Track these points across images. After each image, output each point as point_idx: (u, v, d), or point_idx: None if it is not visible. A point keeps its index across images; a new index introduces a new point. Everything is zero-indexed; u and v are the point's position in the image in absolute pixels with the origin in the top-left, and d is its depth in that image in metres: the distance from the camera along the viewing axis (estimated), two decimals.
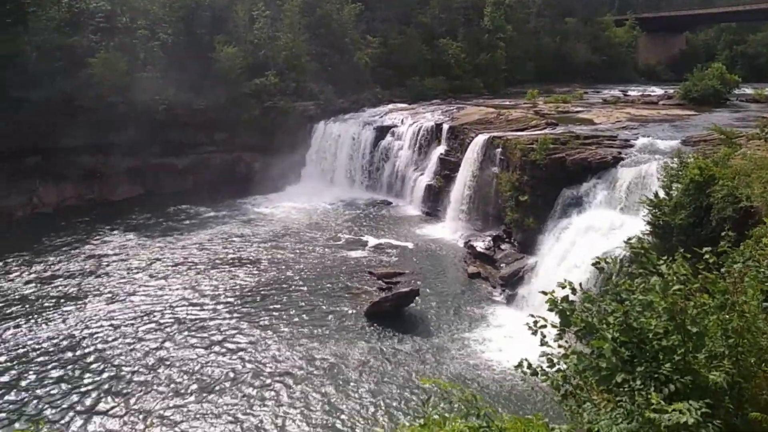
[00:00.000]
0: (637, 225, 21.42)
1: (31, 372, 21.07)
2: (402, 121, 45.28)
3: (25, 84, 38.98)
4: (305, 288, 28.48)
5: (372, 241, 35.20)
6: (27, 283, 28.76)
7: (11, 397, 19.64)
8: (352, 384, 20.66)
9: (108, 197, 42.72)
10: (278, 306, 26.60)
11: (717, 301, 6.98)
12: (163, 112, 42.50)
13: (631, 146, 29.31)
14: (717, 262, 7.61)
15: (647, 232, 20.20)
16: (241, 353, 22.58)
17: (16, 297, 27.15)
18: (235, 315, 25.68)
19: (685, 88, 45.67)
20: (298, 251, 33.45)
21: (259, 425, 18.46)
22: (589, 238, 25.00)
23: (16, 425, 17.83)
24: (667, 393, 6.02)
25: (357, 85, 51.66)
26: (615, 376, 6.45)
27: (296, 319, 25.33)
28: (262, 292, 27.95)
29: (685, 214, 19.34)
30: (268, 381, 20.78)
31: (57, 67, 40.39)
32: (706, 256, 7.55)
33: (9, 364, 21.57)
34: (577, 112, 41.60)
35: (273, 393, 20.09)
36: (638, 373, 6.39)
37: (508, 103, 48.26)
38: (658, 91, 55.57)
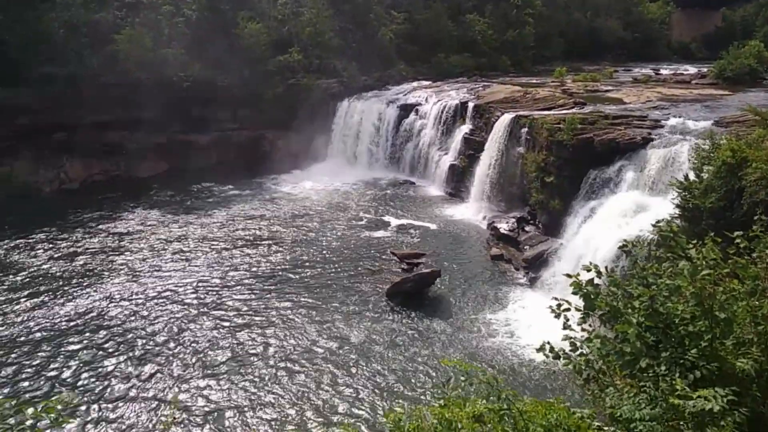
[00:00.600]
0: (665, 208, 20.97)
1: (54, 347, 21.58)
2: (426, 99, 44.81)
3: (52, 60, 39.48)
4: (327, 268, 28.65)
5: (394, 221, 35.16)
6: (52, 258, 29.44)
7: (35, 371, 20.11)
8: (372, 364, 20.82)
9: (133, 173, 43.33)
10: (300, 285, 26.83)
11: (747, 286, 6.82)
12: (187, 89, 42.73)
13: (662, 127, 28.60)
14: (748, 246, 7.41)
15: (676, 215, 19.75)
16: (262, 331, 22.88)
17: (42, 273, 27.83)
18: (257, 293, 25.99)
19: (719, 66, 44.25)
20: (320, 231, 33.61)
21: (279, 402, 18.75)
22: (616, 220, 24.59)
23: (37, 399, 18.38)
24: (692, 379, 5.92)
25: (381, 62, 51.17)
26: (639, 361, 6.36)
27: (317, 299, 25.54)
28: (284, 271, 28.21)
29: (715, 197, 18.87)
30: (289, 359, 21.05)
31: (83, 43, 40.81)
32: (737, 240, 7.35)
33: (35, 338, 22.18)
34: (606, 91, 40.68)
35: (294, 371, 20.36)
36: (663, 359, 6.29)
37: (535, 81, 47.38)
38: (691, 69, 54.00)
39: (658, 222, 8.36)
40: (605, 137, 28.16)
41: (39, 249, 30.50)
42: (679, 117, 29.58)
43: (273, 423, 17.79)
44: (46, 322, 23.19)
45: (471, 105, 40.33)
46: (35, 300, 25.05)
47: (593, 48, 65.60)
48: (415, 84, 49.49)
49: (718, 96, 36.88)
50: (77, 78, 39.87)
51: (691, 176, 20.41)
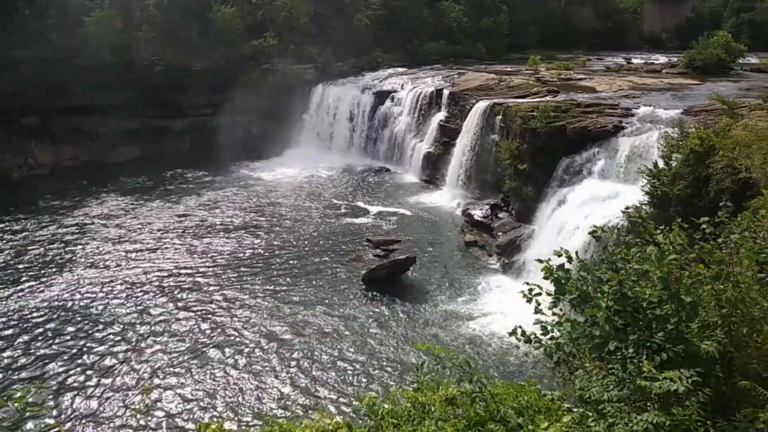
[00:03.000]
0: (635, 195, 21.37)
1: (21, 335, 21.18)
2: (402, 86, 44.69)
3: (20, 43, 38.28)
4: (302, 254, 28.56)
5: (369, 208, 35.16)
6: (20, 245, 28.79)
7: (5, 360, 19.75)
8: (346, 349, 20.89)
9: (105, 159, 42.42)
10: (274, 272, 26.71)
11: (712, 271, 7.00)
12: (160, 73, 41.91)
13: (633, 115, 29.02)
14: (714, 232, 7.59)
15: (645, 202, 20.17)
16: (234, 317, 22.76)
17: (9, 260, 27.20)
18: (231, 280, 25.81)
19: (689, 56, 44.97)
20: (295, 217, 33.45)
21: (252, 387, 18.72)
22: (587, 207, 24.98)
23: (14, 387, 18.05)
24: (659, 361, 6.08)
25: (357, 48, 50.80)
26: (608, 344, 6.51)
27: (292, 285, 25.47)
28: (258, 258, 28.04)
29: (683, 184, 19.30)
30: (263, 345, 21.00)
31: (51, 25, 39.63)
32: (703, 226, 7.53)
33: (5, 326, 21.71)
34: (579, 79, 41.07)
35: (267, 356, 20.33)
36: (631, 342, 6.44)
37: (509, 69, 47.57)
38: (662, 59, 54.75)
39: (627, 208, 8.53)
40: (578, 125, 28.49)
41: (7, 235, 29.76)
42: (650, 106, 30.04)
43: (244, 408, 17.76)
44: (11, 310, 22.67)
45: (446, 92, 40.36)
46: (4, 286, 24.45)
47: (567, 37, 65.99)
48: (390, 71, 49.28)
49: (687, 85, 37.52)
50: (46, 61, 38.72)
51: (660, 164, 20.81)
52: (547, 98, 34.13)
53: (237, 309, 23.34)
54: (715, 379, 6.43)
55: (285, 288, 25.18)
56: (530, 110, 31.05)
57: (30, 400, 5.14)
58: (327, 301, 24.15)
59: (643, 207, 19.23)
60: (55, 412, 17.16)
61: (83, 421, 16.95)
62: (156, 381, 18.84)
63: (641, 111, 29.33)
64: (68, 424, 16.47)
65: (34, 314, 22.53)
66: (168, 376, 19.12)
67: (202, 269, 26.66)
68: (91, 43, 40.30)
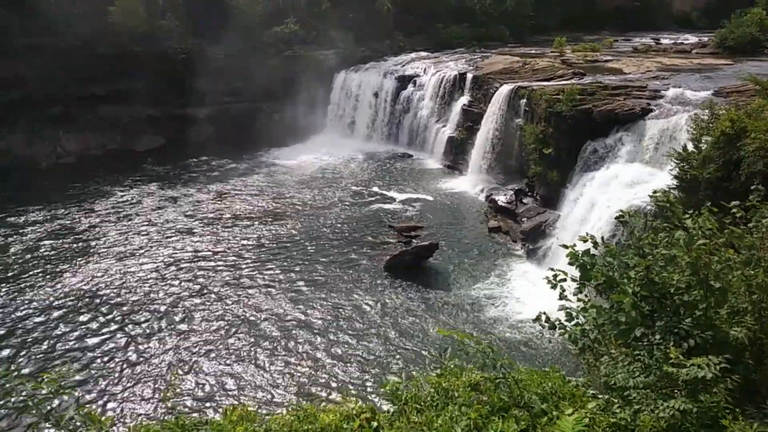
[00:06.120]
0: (663, 179, 20.95)
1: (52, 321, 21.75)
2: (424, 70, 44.33)
3: (46, 31, 38.86)
4: (324, 240, 28.72)
5: (392, 194, 35.13)
6: (50, 232, 29.49)
7: (33, 347, 20.22)
8: (369, 335, 21.03)
9: (130, 147, 43.08)
10: (298, 257, 26.93)
11: (743, 256, 6.83)
12: (182, 62, 42.23)
13: (661, 97, 28.37)
14: (745, 216, 7.40)
15: (674, 186, 19.75)
16: (258, 303, 23.06)
17: (40, 247, 27.88)
18: (254, 266, 26.09)
19: (720, 35, 43.65)
20: (317, 204, 33.60)
21: (276, 372, 18.98)
22: (614, 192, 24.57)
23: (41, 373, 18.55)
24: (687, 348, 5.98)
25: (378, 33, 50.48)
26: (634, 330, 6.41)
27: (316, 271, 25.66)
28: (282, 245, 28.27)
29: (713, 167, 18.85)
30: (286, 330, 21.26)
31: (76, 15, 40.14)
32: (734, 210, 7.33)
33: (32, 312, 22.32)
34: (606, 61, 40.24)
35: (290, 342, 20.58)
36: (658, 328, 6.34)
37: (534, 51, 46.82)
38: (691, 39, 53.32)
39: (655, 192, 8.35)
40: (604, 108, 27.94)
41: (38, 224, 30.49)
42: (679, 87, 29.32)
43: (268, 392, 18.03)
44: (43, 296, 23.31)
45: (470, 76, 39.92)
46: (33, 274, 25.12)
47: (593, 17, 64.58)
48: (413, 55, 48.93)
49: (718, 66, 36.50)
50: (72, 49, 39.30)
51: (690, 147, 20.34)
52: (573, 81, 33.54)
53: (260, 295, 23.63)
54: (744, 367, 6.30)
55: (308, 274, 25.38)
56: (555, 93, 30.56)
57: (62, 383, 5.28)
58: (350, 287, 24.28)
59: (672, 191, 18.86)
60: (86, 395, 17.65)
61: (113, 404, 17.41)
62: (182, 366, 19.23)
63: (670, 93, 28.65)
64: (98, 408, 16.91)
65: (64, 300, 23.10)
66: (194, 361, 19.50)
67: (226, 256, 27.00)
68: (115, 32, 40.74)
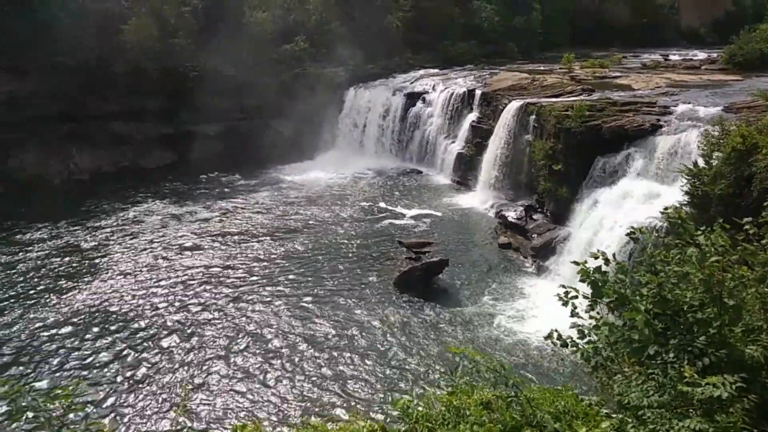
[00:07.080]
0: (674, 195, 20.83)
1: (63, 336, 21.81)
2: (433, 87, 44.56)
3: (59, 50, 39.50)
4: (334, 257, 28.71)
5: (401, 210, 35.14)
6: (60, 249, 29.67)
7: (44, 363, 20.25)
8: (378, 352, 20.90)
9: (141, 164, 43.44)
10: (308, 274, 26.91)
11: (756, 273, 6.77)
12: (194, 79, 42.74)
13: (671, 113, 28.29)
14: (758, 233, 7.33)
15: (685, 202, 19.64)
16: (268, 319, 23.01)
17: (51, 264, 28.05)
18: (264, 283, 26.10)
19: (729, 51, 43.59)
20: (326, 220, 33.67)
21: (285, 389, 18.89)
22: (624, 208, 24.46)
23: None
24: (701, 366, 5.91)
25: (387, 50, 50.87)
26: (647, 348, 6.35)
27: (325, 288, 25.62)
28: (291, 261, 28.29)
29: (725, 183, 18.72)
30: (296, 347, 21.17)
31: (90, 33, 40.82)
32: (747, 226, 7.28)
33: (45, 326, 22.41)
34: (615, 77, 40.30)
35: (300, 358, 20.48)
36: (671, 346, 6.27)
37: (542, 68, 46.99)
38: (700, 55, 53.28)
39: (666, 209, 8.30)
40: (613, 124, 27.92)
41: (51, 240, 30.73)
42: (689, 103, 29.25)
43: (277, 409, 17.93)
44: (55, 312, 23.41)
45: (478, 93, 40.08)
46: (44, 290, 25.26)
47: (602, 34, 64.85)
48: (422, 72, 49.22)
49: (728, 82, 36.40)
50: (85, 67, 39.92)
51: (701, 163, 20.25)
52: (582, 97, 33.55)
53: (269, 312, 23.60)
54: (761, 386, 6.20)
55: (317, 290, 25.34)
56: (564, 109, 30.58)
57: (73, 399, 5.30)
58: (359, 303, 24.21)
59: (683, 207, 18.75)
60: (97, 411, 17.64)
61: (125, 420, 17.38)
62: (194, 382, 19.19)
63: (679, 109, 28.58)
64: (111, 423, 16.88)
65: (75, 316, 23.19)
66: (205, 378, 19.44)
67: (236, 272, 27.05)
68: (128, 50, 41.39)
